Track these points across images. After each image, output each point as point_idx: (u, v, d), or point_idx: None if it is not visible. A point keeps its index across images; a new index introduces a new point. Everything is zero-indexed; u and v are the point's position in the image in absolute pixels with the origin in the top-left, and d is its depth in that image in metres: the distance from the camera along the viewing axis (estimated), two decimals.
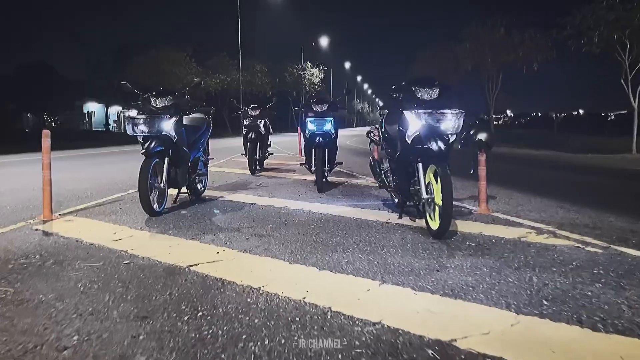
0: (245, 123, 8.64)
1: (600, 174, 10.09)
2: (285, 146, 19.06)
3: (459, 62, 21.44)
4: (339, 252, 3.35)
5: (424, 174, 3.82)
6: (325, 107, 6.51)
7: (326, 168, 6.49)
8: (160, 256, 3.25)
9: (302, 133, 6.91)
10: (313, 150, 6.43)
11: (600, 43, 14.58)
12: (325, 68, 62.43)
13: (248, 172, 8.53)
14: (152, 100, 4.80)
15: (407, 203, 4.53)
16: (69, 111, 46.34)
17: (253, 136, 8.53)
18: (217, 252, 3.38)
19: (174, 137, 4.71)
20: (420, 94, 3.87)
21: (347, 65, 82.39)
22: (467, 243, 3.58)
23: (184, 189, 5.30)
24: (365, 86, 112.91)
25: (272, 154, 9.82)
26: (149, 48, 33.54)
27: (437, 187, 3.63)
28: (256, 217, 4.61)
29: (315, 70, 60.85)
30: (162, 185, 4.67)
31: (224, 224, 4.30)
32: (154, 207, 4.58)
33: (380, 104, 5.27)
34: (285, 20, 58.99)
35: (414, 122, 3.74)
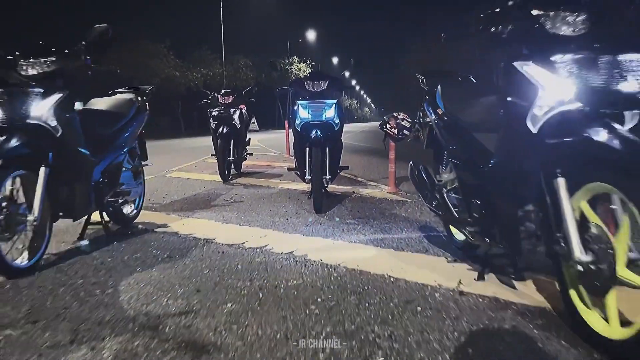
0: (213, 114, 6.48)
1: None
2: (270, 144, 16.88)
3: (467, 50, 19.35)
4: None
5: (575, 203, 1.71)
6: (324, 84, 4.39)
7: (327, 176, 4.35)
8: None
9: (290, 125, 4.72)
10: (307, 149, 4.32)
11: None
12: (313, 63, 60.63)
13: (220, 178, 6.38)
14: (18, 63, 2.65)
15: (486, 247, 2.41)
16: None
17: (224, 131, 6.39)
18: None
19: (57, 131, 2.58)
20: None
21: (335, 60, 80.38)
22: None
23: (103, 215, 3.17)
24: (354, 82, 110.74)
25: (251, 154, 7.67)
26: (124, 40, 31.10)
27: (623, 235, 1.51)
28: (204, 281, 2.46)
29: (302, 65, 59.03)
30: (32, 218, 2.50)
31: (130, 311, 2.15)
32: (14, 262, 2.45)
33: (422, 77, 2.89)
34: (272, 15, 56.62)
35: (558, 89, 1.64)
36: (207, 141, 7.55)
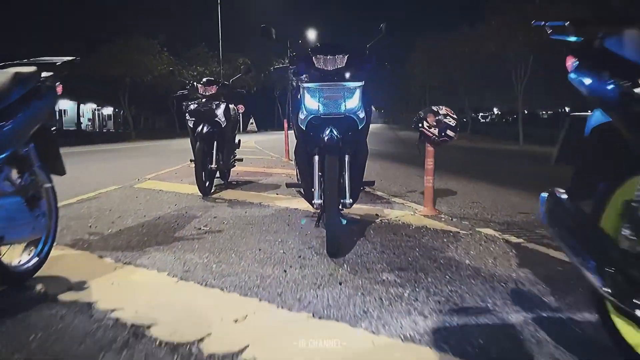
0: (190, 107, 4.99)
1: None
2: (268, 146, 15.40)
3: (482, 44, 17.71)
4: None
5: None
6: (342, 60, 2.88)
7: (347, 200, 2.84)
8: None
9: (291, 122, 3.19)
10: (316, 158, 2.84)
11: None
12: None
13: (198, 192, 4.90)
14: None
15: None
16: None
17: (205, 130, 4.91)
18: None
19: None
20: None
21: None
22: None
23: None
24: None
25: (240, 160, 6.19)
26: (117, 36, 29.67)
27: None
28: None
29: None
30: None
31: None
32: None
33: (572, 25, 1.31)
34: (272, 13, 55.10)
35: None
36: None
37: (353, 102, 2.77)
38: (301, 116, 2.83)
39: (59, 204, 2.59)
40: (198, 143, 4.87)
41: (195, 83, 5.26)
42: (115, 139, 26.90)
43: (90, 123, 49.50)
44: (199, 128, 4.91)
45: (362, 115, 2.82)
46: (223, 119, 5.06)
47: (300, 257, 2.71)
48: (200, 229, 3.44)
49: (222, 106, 5.08)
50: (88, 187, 5.70)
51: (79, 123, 41.48)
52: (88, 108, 48.28)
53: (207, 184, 5.00)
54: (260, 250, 2.86)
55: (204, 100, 5.06)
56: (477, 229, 3.40)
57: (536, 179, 6.81)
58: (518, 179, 7.22)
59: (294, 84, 3.25)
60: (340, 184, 2.81)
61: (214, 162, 5.02)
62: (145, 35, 30.18)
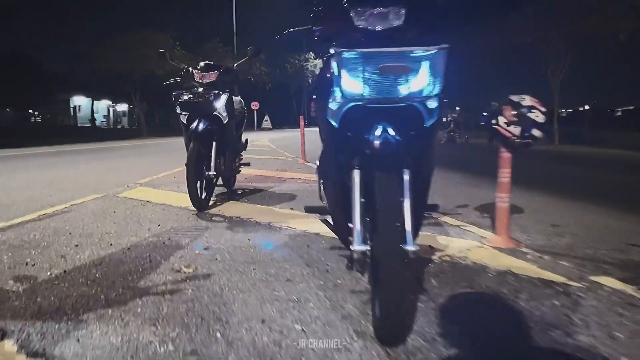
0: (183, 98, 3.91)
1: None
2: (283, 144, 14.31)
3: (517, 34, 16.25)
4: None
5: None
6: (399, 13, 1.76)
7: (410, 247, 1.71)
8: None
9: (318, 115, 2.01)
10: (356, 173, 1.71)
11: None
12: None
13: (192, 206, 3.83)
14: None
15: None
16: (54, 105, 43.45)
17: (200, 127, 3.82)
18: None
19: None
20: None
21: None
22: None
23: None
24: None
25: (247, 164, 5.10)
26: (129, 31, 28.94)
27: None
28: None
29: (318, 62, 56.63)
30: None
31: None
32: None
33: None
34: (287, 8, 54.00)
35: None
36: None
37: (421, 82, 1.65)
38: (332, 105, 1.71)
39: (13, 221, 1.54)
40: (192, 144, 3.79)
41: (190, 68, 4.18)
42: (125, 136, 26.13)
43: (105, 120, 49.26)
44: (194, 125, 3.83)
45: (433, 105, 1.69)
46: (224, 113, 3.98)
47: (328, 339, 1.61)
48: (179, 271, 2.36)
49: (224, 97, 3.99)
50: (63, 195, 4.68)
51: (93, 119, 41.08)
52: (103, 104, 47.98)
53: (203, 195, 3.93)
54: (264, 323, 1.76)
55: (200, 89, 3.99)
56: (591, 278, 2.26)
57: (607, 187, 5.62)
58: (584, 187, 6.01)
59: (320, 58, 2.12)
60: (399, 217, 1.68)
61: (212, 168, 3.94)
62: (158, 29, 29.41)
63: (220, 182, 4.52)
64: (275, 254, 2.64)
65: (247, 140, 5.03)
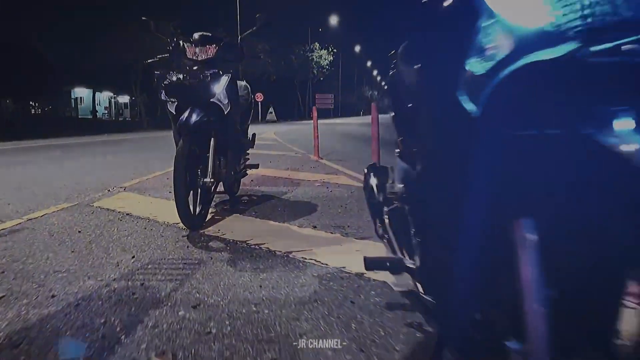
0: (170, 80, 2.92)
1: None
2: (290, 138, 13.32)
3: None
4: None
5: None
6: None
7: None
8: None
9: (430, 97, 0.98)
10: (520, 230, 0.73)
11: None
12: (335, 50, 57.01)
13: (182, 223, 2.87)
14: None
15: None
16: (55, 97, 42.76)
17: (194, 119, 2.83)
18: None
19: None
20: None
21: (358, 48, 76.08)
22: None
23: None
24: (375, 72, 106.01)
25: (255, 166, 4.12)
26: (130, 20, 27.96)
27: None
28: None
29: (323, 52, 55.64)
30: None
31: None
32: None
33: None
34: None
35: None
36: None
37: None
38: (477, 67, 0.73)
39: None
40: (182, 141, 2.82)
41: (181, 41, 3.19)
42: (125, 129, 25.24)
43: (106, 112, 48.52)
44: (185, 115, 2.86)
45: None
46: (226, 101, 3.00)
47: None
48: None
49: (225, 79, 3.02)
50: (25, 203, 3.73)
51: (94, 111, 40.20)
52: (105, 96, 47.19)
53: (198, 209, 2.96)
54: None
55: (194, 68, 3.00)
56: None
57: None
58: None
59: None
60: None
61: (209, 173, 2.96)
62: (160, 18, 28.43)
63: (221, 187, 3.55)
64: (301, 322, 1.66)
65: (254, 135, 4.05)
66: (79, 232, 2.90)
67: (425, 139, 1.00)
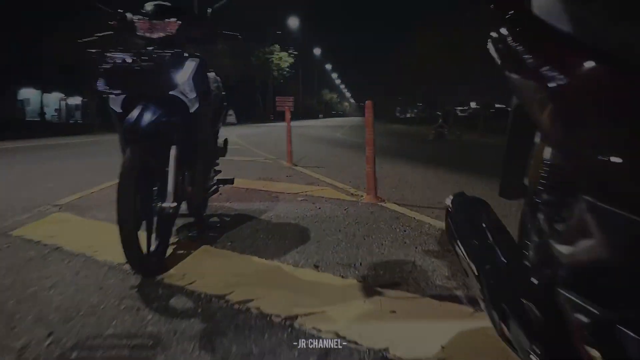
0: (112, 64, 2.06)
1: None
2: (253, 141, 12.44)
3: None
4: None
5: None
6: None
7: None
8: None
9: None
10: None
11: None
12: (295, 52, 56.19)
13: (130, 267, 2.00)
14: None
15: None
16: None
17: (147, 119, 1.99)
18: None
19: None
20: None
21: (318, 52, 75.75)
22: None
23: None
24: (334, 76, 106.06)
25: (229, 181, 3.27)
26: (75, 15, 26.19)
27: None
28: None
29: (284, 54, 54.70)
30: None
31: None
32: None
33: None
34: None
35: None
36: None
37: None
38: None
39: None
40: (129, 151, 1.96)
41: (129, 14, 2.32)
42: (74, 132, 23.50)
43: (56, 114, 45.94)
44: (134, 114, 2.00)
45: None
46: (193, 94, 2.17)
47: None
48: None
49: (190, 65, 2.19)
50: None
51: (42, 114, 37.72)
52: (54, 97, 44.62)
53: (153, 245, 2.11)
54: None
55: (149, 48, 2.15)
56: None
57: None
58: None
59: None
60: None
61: (169, 195, 2.10)
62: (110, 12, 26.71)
63: (184, 207, 2.69)
64: None
65: (226, 140, 3.20)
66: None
67: None
